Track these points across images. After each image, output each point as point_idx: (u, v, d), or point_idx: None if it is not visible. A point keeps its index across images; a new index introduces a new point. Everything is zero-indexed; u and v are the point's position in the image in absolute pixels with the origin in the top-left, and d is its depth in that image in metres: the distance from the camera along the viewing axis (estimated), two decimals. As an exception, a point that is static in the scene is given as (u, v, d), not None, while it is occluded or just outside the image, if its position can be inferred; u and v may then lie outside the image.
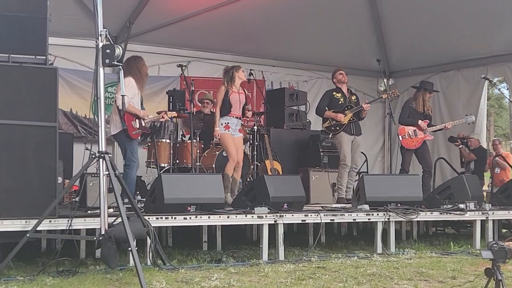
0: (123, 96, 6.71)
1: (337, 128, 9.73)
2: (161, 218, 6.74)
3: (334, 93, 9.93)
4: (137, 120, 8.14)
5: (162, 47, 11.72)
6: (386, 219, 7.92)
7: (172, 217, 6.81)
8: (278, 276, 6.06)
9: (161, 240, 7.59)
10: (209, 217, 7.04)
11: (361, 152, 10.71)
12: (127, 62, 8.08)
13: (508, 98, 25.44)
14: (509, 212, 8.93)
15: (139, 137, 8.35)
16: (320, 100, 10.16)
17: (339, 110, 9.74)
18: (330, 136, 10.03)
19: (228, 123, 8.86)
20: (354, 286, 5.71)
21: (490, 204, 8.92)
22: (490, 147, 12.20)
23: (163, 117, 8.82)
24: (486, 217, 8.59)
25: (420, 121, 10.18)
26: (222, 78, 9.13)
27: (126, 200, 6.43)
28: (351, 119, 9.73)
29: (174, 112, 9.27)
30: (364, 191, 8.30)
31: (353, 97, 10.00)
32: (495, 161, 11.92)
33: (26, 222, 5.88)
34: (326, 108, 9.87)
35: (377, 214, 7.96)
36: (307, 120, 11.97)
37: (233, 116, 8.91)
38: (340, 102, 9.83)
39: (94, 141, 6.18)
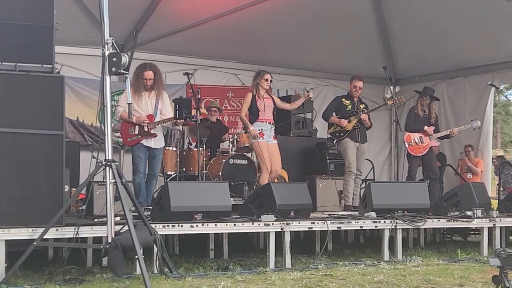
0: (129, 104, 6.68)
1: (342, 134, 9.73)
2: (168, 226, 6.73)
3: (343, 99, 9.93)
4: (136, 127, 8.14)
5: (168, 55, 11.74)
6: (393, 227, 7.89)
7: (178, 225, 6.80)
8: (285, 284, 6.04)
9: (167, 248, 7.59)
10: (215, 225, 7.03)
11: (368, 160, 10.72)
12: None
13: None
14: (516, 219, 8.90)
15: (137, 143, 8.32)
16: (329, 105, 10.18)
17: (344, 116, 9.73)
18: (335, 141, 10.04)
19: (262, 129, 8.89)
20: (361, 293, 5.72)
21: (497, 211, 8.90)
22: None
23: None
24: (494, 224, 8.58)
25: (426, 127, 10.19)
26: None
27: (132, 208, 6.44)
28: (356, 125, 9.70)
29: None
30: (371, 199, 8.28)
31: (362, 105, 9.94)
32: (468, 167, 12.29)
33: (33, 230, 5.88)
34: (333, 114, 9.88)
35: (384, 222, 7.93)
36: (314, 128, 11.96)
37: (265, 122, 8.97)
38: (347, 109, 9.81)
39: (101, 149, 6.19)
